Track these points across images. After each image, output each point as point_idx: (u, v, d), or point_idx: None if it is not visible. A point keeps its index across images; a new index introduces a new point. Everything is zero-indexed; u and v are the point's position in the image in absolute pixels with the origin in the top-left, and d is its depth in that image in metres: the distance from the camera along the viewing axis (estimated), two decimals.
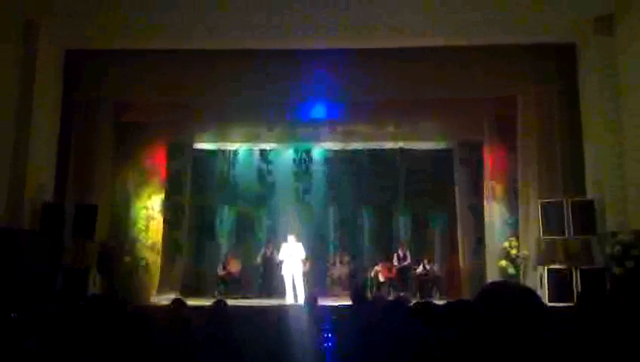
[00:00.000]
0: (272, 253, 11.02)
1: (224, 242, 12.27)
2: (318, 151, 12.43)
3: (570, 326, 2.21)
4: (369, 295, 10.08)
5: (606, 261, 7.89)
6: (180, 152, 11.26)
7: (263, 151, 12.43)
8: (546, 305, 1.93)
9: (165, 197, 10.61)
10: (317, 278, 11.28)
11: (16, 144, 8.15)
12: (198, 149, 11.79)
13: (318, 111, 10.18)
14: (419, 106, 10.02)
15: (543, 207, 8.64)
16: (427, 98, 9.73)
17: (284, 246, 10.13)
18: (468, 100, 9.86)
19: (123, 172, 10.21)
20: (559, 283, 8.16)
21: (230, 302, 5.47)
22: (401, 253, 11.25)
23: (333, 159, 12.41)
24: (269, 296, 10.74)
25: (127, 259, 9.61)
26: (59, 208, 8.61)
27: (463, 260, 10.76)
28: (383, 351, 3.19)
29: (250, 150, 12.40)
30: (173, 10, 8.15)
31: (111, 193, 9.94)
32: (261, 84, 9.20)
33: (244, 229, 12.37)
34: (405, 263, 11.15)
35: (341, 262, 11.72)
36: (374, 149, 12.14)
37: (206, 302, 7.49)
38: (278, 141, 11.94)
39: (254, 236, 12.30)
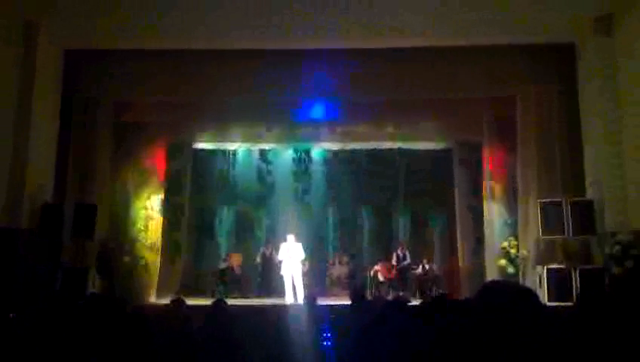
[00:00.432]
0: (271, 253, 11.02)
1: (223, 242, 12.28)
2: (317, 151, 12.44)
3: (570, 326, 2.21)
4: (368, 295, 10.09)
5: (605, 261, 7.89)
6: (179, 152, 11.28)
7: (262, 151, 12.44)
8: (545, 305, 1.93)
9: (165, 197, 10.62)
10: (316, 278, 11.29)
11: (15, 144, 8.14)
12: (197, 149, 11.80)
13: (318, 111, 10.19)
14: (418, 106, 10.02)
15: (543, 206, 8.64)
16: (427, 98, 9.75)
17: (283, 246, 10.14)
18: (467, 100, 9.88)
19: (123, 172, 10.22)
20: (558, 283, 8.16)
21: (230, 301, 5.47)
22: (400, 253, 11.25)
23: (332, 159, 12.42)
24: (269, 295, 10.74)
25: (127, 258, 9.62)
26: (58, 208, 8.61)
27: (462, 260, 10.77)
28: (383, 351, 3.19)
29: (250, 150, 12.41)
30: (174, 10, 8.15)
31: (110, 193, 9.94)
32: (261, 84, 9.20)
33: (244, 229, 12.38)
34: (405, 263, 11.15)
35: (340, 262, 11.72)
36: (374, 149, 12.15)
37: (205, 302, 7.49)
38: (277, 141, 11.95)
39: (254, 236, 12.31)
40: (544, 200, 8.69)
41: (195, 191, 11.81)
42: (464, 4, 8.04)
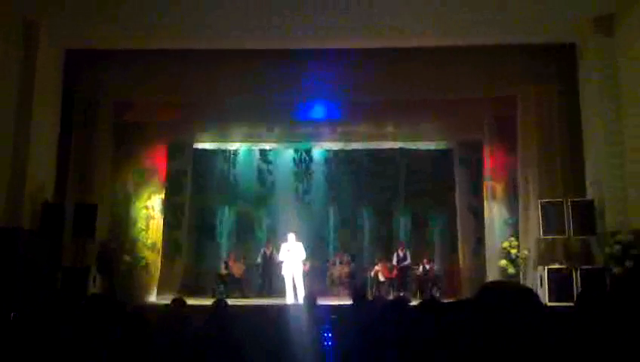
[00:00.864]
0: (272, 253, 11.02)
1: (224, 242, 12.28)
2: (318, 151, 12.45)
3: (570, 326, 2.21)
4: (369, 295, 10.08)
5: (606, 261, 7.88)
6: (180, 152, 11.28)
7: (263, 151, 12.45)
8: (545, 305, 1.94)
9: (165, 197, 10.62)
10: (317, 278, 11.28)
11: (16, 143, 8.14)
12: (198, 149, 11.80)
13: (318, 111, 10.20)
14: (419, 106, 10.02)
15: (543, 206, 8.63)
16: (427, 98, 9.74)
17: (283, 246, 10.13)
18: (468, 100, 9.87)
19: (123, 172, 10.22)
20: (559, 283, 8.16)
21: (230, 301, 5.47)
22: (401, 252, 11.25)
23: (333, 159, 12.44)
24: (269, 295, 10.75)
25: (127, 258, 9.62)
26: (59, 208, 8.61)
27: (462, 260, 10.77)
28: (383, 351, 3.19)
29: (251, 150, 12.42)
30: (174, 10, 8.14)
31: (111, 193, 9.95)
32: (261, 84, 9.20)
33: (244, 229, 12.39)
34: (405, 263, 11.15)
35: (341, 262, 11.72)
36: (374, 149, 12.17)
37: (206, 302, 7.49)
38: (278, 141, 11.96)
39: (254, 236, 12.31)
40: (544, 201, 8.68)
41: (196, 191, 11.82)
42: (464, 4, 8.02)
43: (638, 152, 7.67)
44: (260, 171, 12.47)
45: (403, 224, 12.35)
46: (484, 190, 10.14)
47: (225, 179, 12.40)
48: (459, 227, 10.95)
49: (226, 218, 12.44)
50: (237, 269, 11.24)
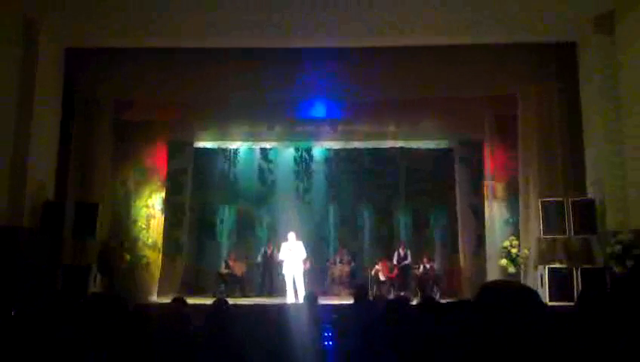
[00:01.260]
0: (272, 252, 11.03)
1: (224, 241, 12.28)
2: (318, 150, 12.44)
3: (571, 326, 2.21)
4: (370, 294, 10.08)
5: (606, 260, 7.88)
6: (180, 151, 11.27)
7: (263, 150, 12.45)
8: (546, 305, 1.94)
9: (166, 196, 10.62)
10: (317, 277, 11.28)
11: (16, 142, 8.14)
12: (198, 148, 11.80)
13: (319, 110, 10.19)
14: (419, 105, 10.02)
15: (544, 206, 8.63)
16: (427, 97, 9.73)
17: (284, 245, 10.12)
18: (468, 99, 9.86)
19: (123, 170, 10.23)
20: (560, 283, 8.16)
21: (231, 301, 5.47)
22: (401, 252, 11.24)
23: (333, 158, 12.43)
24: (270, 295, 10.75)
25: (128, 257, 9.62)
26: (59, 206, 8.61)
27: (463, 259, 10.77)
28: (384, 350, 3.19)
29: (251, 149, 12.42)
30: (174, 8, 8.14)
31: (111, 191, 9.96)
32: (262, 83, 9.19)
33: (245, 228, 12.38)
34: (406, 262, 11.14)
35: (341, 261, 11.71)
36: (375, 148, 12.16)
37: (206, 301, 7.49)
38: (278, 140, 11.96)
39: (255, 235, 12.31)
40: (545, 200, 8.68)
41: (196, 189, 11.81)
42: (464, 3, 8.02)
43: (638, 152, 7.66)
44: (260, 170, 12.47)
45: (403, 223, 12.34)
46: (485, 189, 10.13)
47: (225, 177, 12.40)
48: (459, 226, 10.95)
49: (226, 217, 12.44)
50: (237, 268, 11.24)
